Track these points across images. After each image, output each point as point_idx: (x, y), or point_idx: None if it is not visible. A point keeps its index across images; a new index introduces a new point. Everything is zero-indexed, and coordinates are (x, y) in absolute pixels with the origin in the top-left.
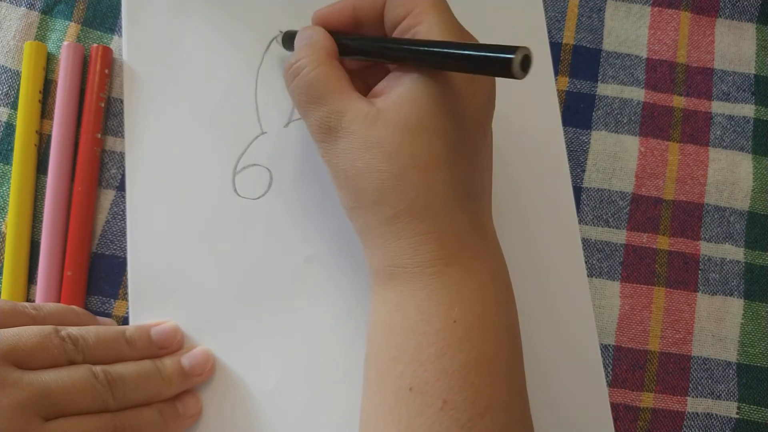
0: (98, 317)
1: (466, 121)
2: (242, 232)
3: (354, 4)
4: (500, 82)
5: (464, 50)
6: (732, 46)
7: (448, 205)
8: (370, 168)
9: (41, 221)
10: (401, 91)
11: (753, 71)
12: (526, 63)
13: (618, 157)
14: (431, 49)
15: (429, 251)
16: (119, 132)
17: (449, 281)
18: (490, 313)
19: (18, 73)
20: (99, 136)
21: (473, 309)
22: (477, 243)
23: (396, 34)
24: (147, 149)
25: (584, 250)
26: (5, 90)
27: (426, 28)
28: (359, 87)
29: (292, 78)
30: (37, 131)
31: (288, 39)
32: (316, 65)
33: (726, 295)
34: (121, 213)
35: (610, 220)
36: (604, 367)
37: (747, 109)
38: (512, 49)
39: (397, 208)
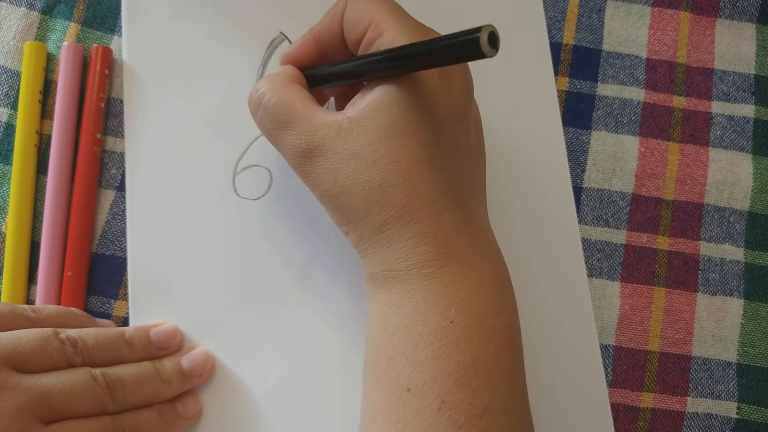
0: (97, 319)
1: (442, 119)
2: (242, 233)
3: (314, 36)
4: (498, 83)
5: (431, 45)
6: (732, 46)
7: (438, 205)
8: (352, 181)
9: (41, 221)
10: (373, 99)
11: (753, 71)
12: (493, 39)
13: (618, 157)
14: (399, 53)
15: (423, 252)
16: (119, 132)
17: (446, 281)
18: (489, 313)
19: (18, 74)
20: (99, 136)
21: (470, 309)
22: (473, 242)
23: (361, 51)
24: (147, 149)
25: (584, 250)
26: (5, 90)
27: (389, 37)
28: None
29: (256, 109)
30: (37, 131)
31: None
32: (277, 90)
33: (726, 295)
34: (121, 213)
35: (610, 220)
36: (604, 367)
37: (747, 109)
38: (477, 30)
39: (387, 214)
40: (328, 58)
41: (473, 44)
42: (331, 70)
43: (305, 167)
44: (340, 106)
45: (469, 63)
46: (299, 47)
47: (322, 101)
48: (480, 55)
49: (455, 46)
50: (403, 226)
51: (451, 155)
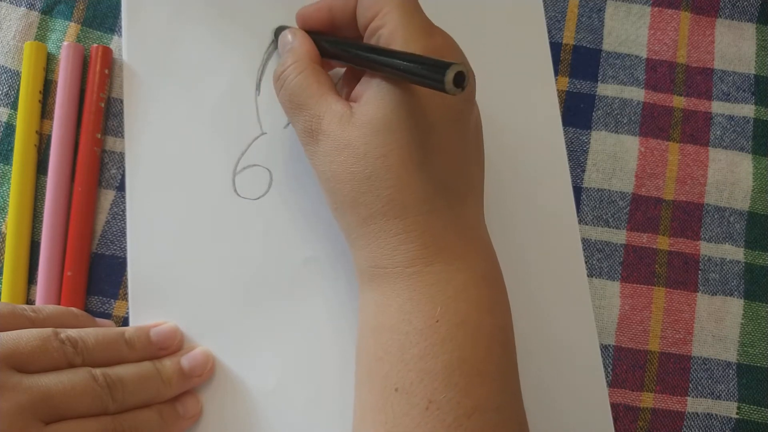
0: (97, 318)
1: (436, 120)
2: (242, 233)
3: (330, 8)
4: (498, 83)
5: (403, 63)
6: (732, 46)
7: (425, 204)
8: (344, 169)
9: (41, 221)
10: (370, 93)
11: (753, 71)
12: (460, 80)
13: (618, 157)
14: (376, 57)
15: (408, 251)
16: (119, 132)
17: (431, 280)
18: (477, 312)
19: (18, 74)
20: (99, 136)
21: (457, 308)
22: (462, 242)
23: (365, 37)
24: (147, 149)
25: (584, 250)
26: (5, 90)
27: (388, 32)
28: (353, 85)
29: (279, 88)
30: (37, 131)
31: (278, 35)
32: (298, 72)
33: (726, 295)
34: (121, 213)
35: (610, 220)
36: (604, 367)
37: (747, 109)
38: (446, 66)
39: (372, 208)
40: (338, 31)
41: (438, 80)
42: (333, 50)
43: (311, 146)
44: (346, 79)
45: (470, 63)
46: (315, 12)
47: (328, 67)
48: (443, 91)
49: (422, 75)
50: (388, 222)
51: (443, 156)
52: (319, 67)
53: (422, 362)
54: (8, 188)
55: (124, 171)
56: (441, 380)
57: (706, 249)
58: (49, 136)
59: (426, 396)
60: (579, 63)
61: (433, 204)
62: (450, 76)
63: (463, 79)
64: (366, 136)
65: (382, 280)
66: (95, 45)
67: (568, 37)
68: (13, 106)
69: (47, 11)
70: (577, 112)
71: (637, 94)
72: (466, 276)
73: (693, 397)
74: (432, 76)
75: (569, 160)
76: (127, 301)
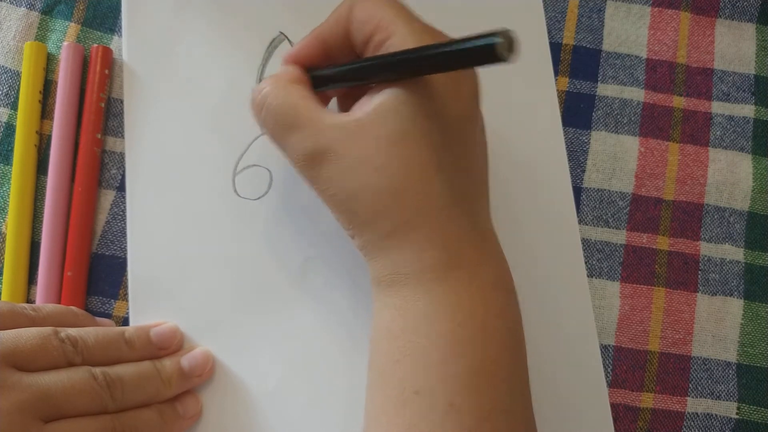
0: (97, 318)
1: (451, 124)
2: (242, 233)
3: (319, 36)
4: (498, 83)
5: (447, 48)
6: (732, 46)
7: (445, 211)
8: (362, 186)
9: (41, 221)
10: (381, 102)
11: (753, 71)
12: (511, 44)
13: (618, 157)
14: (414, 56)
15: (430, 258)
16: (119, 132)
17: (453, 286)
18: (493, 317)
19: (18, 74)
20: (99, 136)
21: (476, 313)
22: (478, 247)
23: (369, 53)
24: (147, 149)
25: (584, 250)
26: (5, 90)
27: (399, 39)
28: (349, 106)
29: (259, 110)
30: (37, 131)
31: None
32: (280, 91)
33: (726, 296)
34: (121, 213)
35: (610, 221)
36: (604, 367)
37: (747, 110)
38: (494, 34)
39: (396, 220)
40: (332, 59)
41: (491, 49)
42: (340, 71)
43: (312, 171)
44: (343, 107)
45: None
46: (303, 47)
47: (324, 102)
48: (497, 60)
49: (473, 51)
50: (410, 232)
51: (459, 159)
52: (303, 87)
53: (444, 365)
54: (8, 188)
55: (124, 171)
56: (462, 383)
57: (706, 249)
58: (49, 136)
59: (447, 399)
60: (579, 63)
61: (452, 210)
62: (504, 41)
63: (512, 43)
64: (384, 147)
65: (402, 286)
66: (95, 45)
67: (568, 37)
68: (13, 106)
69: (47, 11)
70: (577, 112)
71: (637, 94)
72: (483, 280)
73: (693, 397)
74: (482, 47)
75: (569, 160)
76: (127, 301)
